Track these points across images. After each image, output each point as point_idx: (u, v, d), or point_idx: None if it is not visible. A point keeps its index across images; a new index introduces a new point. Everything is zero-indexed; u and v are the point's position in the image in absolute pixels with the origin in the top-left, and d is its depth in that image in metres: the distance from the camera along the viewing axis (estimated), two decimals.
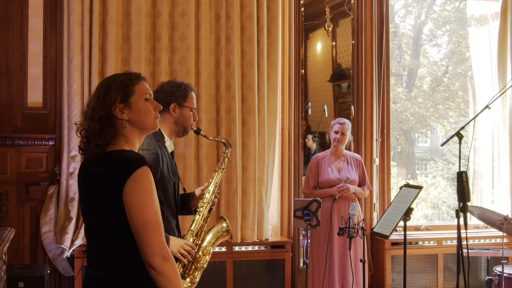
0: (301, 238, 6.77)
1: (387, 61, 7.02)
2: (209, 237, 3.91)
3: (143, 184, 2.58)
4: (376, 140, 6.83)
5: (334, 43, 9.42)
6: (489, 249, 5.53)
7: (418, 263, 6.76)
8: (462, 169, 4.94)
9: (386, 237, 4.58)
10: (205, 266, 3.81)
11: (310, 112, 7.31)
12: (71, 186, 5.89)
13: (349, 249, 5.07)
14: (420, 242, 6.73)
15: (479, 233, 7.00)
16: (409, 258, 6.76)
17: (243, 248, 6.36)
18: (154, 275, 2.59)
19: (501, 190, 7.25)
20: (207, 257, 3.83)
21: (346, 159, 6.19)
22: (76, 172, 5.78)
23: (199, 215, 3.85)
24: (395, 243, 6.65)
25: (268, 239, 6.49)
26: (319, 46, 7.80)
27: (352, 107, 7.03)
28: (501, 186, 7.24)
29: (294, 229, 6.65)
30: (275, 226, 6.78)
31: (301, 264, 6.65)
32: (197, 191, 4.03)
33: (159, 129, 3.74)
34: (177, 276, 2.65)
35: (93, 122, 2.66)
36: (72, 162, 5.89)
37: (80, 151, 2.76)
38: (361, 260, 5.15)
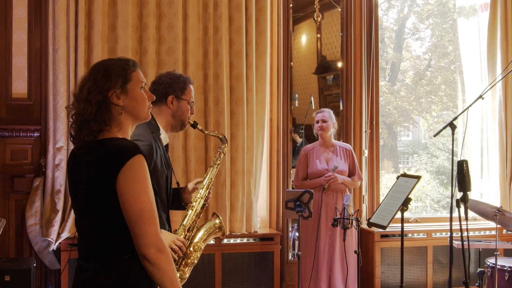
0: (290, 230, 6.72)
1: (376, 52, 6.99)
2: (201, 233, 3.85)
3: (137, 173, 2.51)
4: (365, 132, 6.79)
5: (319, 36, 9.38)
6: (481, 241, 5.50)
7: (408, 256, 6.73)
8: (452, 161, 4.89)
9: (384, 227, 4.52)
10: (195, 262, 3.75)
11: (297, 104, 7.26)
12: (57, 178, 5.79)
13: (344, 240, 5.03)
14: (410, 235, 6.70)
15: (469, 225, 6.95)
16: (398, 250, 6.72)
17: (232, 241, 6.30)
18: (148, 267, 2.53)
19: (490, 183, 7.22)
20: (198, 254, 3.77)
21: (335, 149, 6.14)
22: (62, 164, 5.77)
23: (192, 210, 3.79)
24: (384, 235, 6.62)
25: (256, 232, 6.43)
26: (304, 38, 7.76)
27: (341, 100, 6.98)
28: (490, 179, 7.22)
29: (283, 221, 6.60)
30: (263, 218, 6.73)
31: (290, 257, 6.60)
32: (190, 185, 3.97)
33: (155, 121, 3.68)
34: (172, 267, 2.59)
35: (90, 105, 2.57)
36: (58, 153, 5.79)
37: (71, 139, 2.67)
38: (355, 252, 5.10)
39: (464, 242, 5.36)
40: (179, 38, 6.09)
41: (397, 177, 4.78)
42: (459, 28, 7.65)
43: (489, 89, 5.38)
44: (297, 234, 6.48)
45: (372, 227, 4.83)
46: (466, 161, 4.10)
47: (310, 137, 8.93)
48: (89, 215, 2.61)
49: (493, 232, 6.90)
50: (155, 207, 2.57)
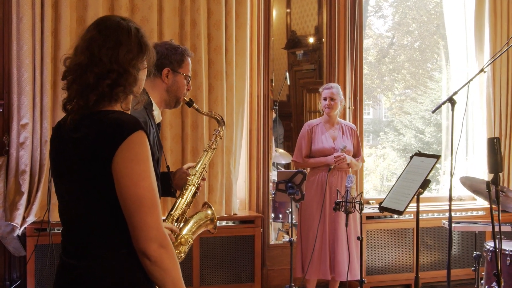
0: (272, 214, 6.42)
1: (360, 26, 6.68)
2: (190, 224, 3.42)
3: (137, 153, 2.15)
4: (349, 108, 6.48)
5: (288, 10, 9.09)
6: (477, 223, 5.23)
7: (394, 238, 6.50)
8: (452, 139, 4.59)
9: (401, 212, 4.12)
10: (183, 256, 3.33)
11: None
12: (22, 157, 5.35)
13: (346, 225, 4.68)
14: (396, 216, 6.42)
15: (456, 206, 6.76)
16: (384, 232, 6.50)
17: None
18: (148, 266, 2.15)
19: (475, 162, 6.99)
20: (186, 247, 3.35)
21: (341, 127, 5.82)
22: (28, 142, 5.34)
23: (182, 198, 3.37)
24: (370, 217, 6.36)
25: (236, 214, 6.09)
26: (273, 13, 7.43)
27: (323, 75, 6.67)
28: (476, 157, 6.99)
29: (263, 203, 6.28)
30: (243, 199, 6.39)
31: (273, 240, 6.28)
32: (183, 169, 3.56)
33: (148, 95, 3.27)
34: (176, 266, 2.21)
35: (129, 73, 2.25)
36: (22, 131, 5.34)
37: (64, 109, 2.26)
38: (358, 238, 4.76)
39: (456, 224, 5.14)
40: (154, 7, 5.67)
41: (411, 157, 4.35)
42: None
43: (492, 62, 5.11)
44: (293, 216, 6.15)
45: (384, 212, 4.42)
46: (498, 138, 3.72)
47: (285, 114, 8.66)
48: (78, 202, 2.22)
49: (480, 213, 6.71)
50: (158, 194, 2.19)
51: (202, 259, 5.89)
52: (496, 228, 3.90)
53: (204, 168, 3.50)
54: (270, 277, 6.29)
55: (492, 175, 3.82)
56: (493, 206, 4.18)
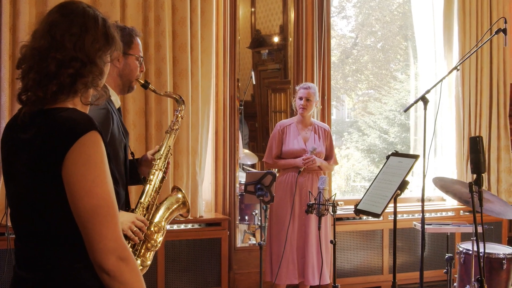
0: (238, 216, 6.27)
1: (328, 24, 6.58)
2: (161, 210, 3.26)
3: (90, 156, 1.92)
4: (317, 107, 6.35)
5: (253, 9, 8.97)
6: (448, 224, 5.13)
7: (363, 240, 6.40)
8: (424, 138, 4.49)
9: (378, 215, 3.97)
10: (158, 245, 3.17)
11: None
12: None
13: (319, 228, 4.52)
14: (365, 217, 6.32)
15: (425, 207, 6.67)
16: (353, 234, 6.39)
17: (175, 227, 5.74)
18: (107, 281, 1.93)
19: (444, 161, 6.92)
20: (160, 235, 3.19)
21: (314, 128, 5.68)
22: None
23: (150, 184, 3.21)
24: (339, 219, 6.24)
25: (202, 216, 5.90)
26: (239, 12, 7.30)
27: (291, 75, 6.54)
28: (444, 157, 6.93)
29: (230, 205, 6.11)
30: (208, 201, 6.21)
31: (239, 243, 6.12)
32: (148, 156, 3.42)
33: None
34: (138, 279, 1.99)
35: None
36: None
37: (19, 100, 2.04)
38: (331, 242, 4.60)
39: (427, 226, 5.03)
40: (117, 2, 5.45)
41: (387, 157, 4.19)
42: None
43: (465, 59, 5.04)
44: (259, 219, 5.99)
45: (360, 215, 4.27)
46: (480, 137, 3.58)
47: (250, 114, 8.53)
48: (28, 210, 2.00)
49: (450, 214, 6.65)
50: (115, 200, 1.96)
51: (167, 263, 5.69)
52: (480, 230, 3.79)
53: (169, 150, 3.37)
54: (237, 280, 6.14)
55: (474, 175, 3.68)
56: (466, 207, 4.09)
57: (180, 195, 3.38)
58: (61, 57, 1.98)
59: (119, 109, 3.23)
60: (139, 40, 3.25)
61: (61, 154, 1.89)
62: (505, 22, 4.66)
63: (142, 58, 3.26)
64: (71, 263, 1.98)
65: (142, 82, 3.30)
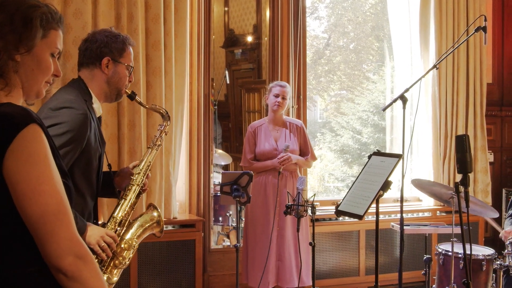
0: (216, 217, 6.15)
1: (304, 23, 6.52)
2: (134, 227, 3.15)
3: (32, 152, 1.77)
4: (292, 107, 6.28)
5: (226, 9, 8.89)
6: (426, 225, 5.07)
7: (339, 241, 6.33)
8: (403, 138, 4.41)
9: (361, 217, 3.87)
10: (127, 263, 3.05)
11: None
12: None
13: (298, 230, 4.42)
14: (341, 218, 6.25)
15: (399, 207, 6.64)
16: (329, 235, 6.32)
17: None
18: (65, 282, 1.80)
19: (421, 160, 6.88)
20: (130, 253, 3.07)
21: (286, 125, 5.59)
22: None
23: (125, 199, 3.12)
24: (315, 219, 6.15)
25: (176, 218, 5.78)
26: (213, 10, 7.22)
27: (267, 75, 6.46)
28: (420, 157, 6.88)
29: (204, 206, 6.00)
30: (182, 202, 6.08)
31: (213, 245, 6.01)
32: (129, 167, 3.32)
33: (87, 87, 2.98)
34: (98, 277, 1.87)
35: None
36: None
37: None
38: (310, 244, 4.50)
39: (406, 227, 4.96)
40: None
41: (369, 156, 4.08)
42: None
43: (444, 58, 4.99)
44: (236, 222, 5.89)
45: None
46: (467, 136, 3.48)
47: (223, 113, 8.44)
48: None
49: (426, 214, 6.62)
50: (65, 196, 1.82)
51: (140, 266, 5.57)
52: (456, 231, 3.72)
53: (148, 166, 3.28)
54: (211, 283, 6.03)
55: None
56: (443, 207, 4.02)
57: (155, 214, 3.28)
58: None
59: (99, 118, 3.11)
60: (131, 50, 3.16)
61: (0, 153, 1.75)
62: (485, 20, 4.61)
63: (132, 68, 3.16)
64: (22, 269, 1.83)
65: (129, 92, 3.19)
